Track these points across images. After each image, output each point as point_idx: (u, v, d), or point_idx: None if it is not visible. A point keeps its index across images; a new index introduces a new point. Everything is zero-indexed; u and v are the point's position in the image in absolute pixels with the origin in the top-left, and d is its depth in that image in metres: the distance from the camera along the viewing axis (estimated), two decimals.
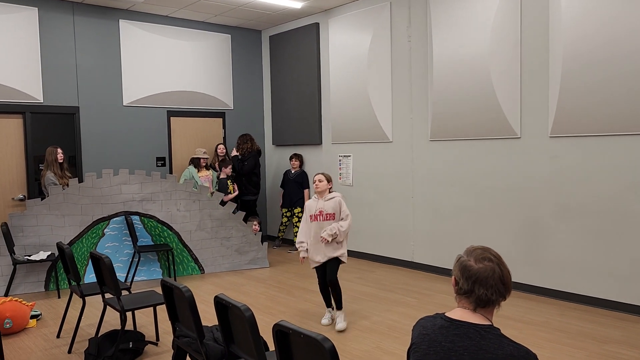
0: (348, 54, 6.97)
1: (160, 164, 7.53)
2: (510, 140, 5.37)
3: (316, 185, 4.45)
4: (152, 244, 6.25)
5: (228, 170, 7.32)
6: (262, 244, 6.77)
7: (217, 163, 7.55)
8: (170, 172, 7.60)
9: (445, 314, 1.73)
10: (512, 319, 4.52)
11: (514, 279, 6.02)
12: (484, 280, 1.64)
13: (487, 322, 1.65)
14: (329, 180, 4.49)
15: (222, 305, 2.57)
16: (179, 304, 2.90)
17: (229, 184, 7.28)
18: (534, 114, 5.17)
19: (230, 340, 2.63)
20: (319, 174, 4.55)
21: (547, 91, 5.02)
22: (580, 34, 4.67)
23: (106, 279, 3.68)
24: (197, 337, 2.71)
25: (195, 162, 7.19)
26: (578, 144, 4.86)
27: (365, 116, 6.80)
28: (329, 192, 4.47)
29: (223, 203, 6.62)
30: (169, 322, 4.56)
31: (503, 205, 5.46)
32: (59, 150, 6.00)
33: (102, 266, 3.64)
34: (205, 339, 2.78)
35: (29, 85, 6.41)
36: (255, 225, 6.74)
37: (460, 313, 1.69)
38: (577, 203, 4.90)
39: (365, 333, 4.26)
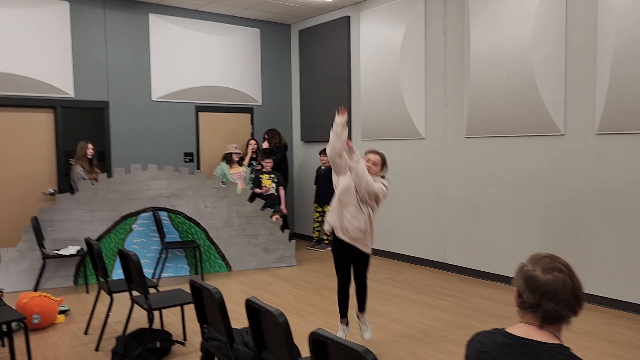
0: (380, 47, 6.76)
1: (188, 160, 7.48)
2: (553, 137, 5.09)
3: (368, 167, 3.60)
4: (180, 240, 6.18)
5: (266, 163, 7.06)
6: (289, 241, 6.64)
7: (247, 157, 7.45)
8: (198, 168, 7.54)
9: (506, 330, 1.54)
10: None
11: None
12: (554, 293, 1.45)
13: (555, 341, 1.46)
14: (383, 163, 3.69)
15: (253, 309, 2.43)
16: (209, 306, 2.77)
17: (264, 179, 7.05)
18: (579, 109, 4.89)
19: (261, 345, 2.49)
20: (372, 152, 3.71)
21: (595, 85, 4.73)
22: (634, 22, 4.36)
23: (134, 277, 3.59)
24: (227, 341, 2.58)
25: (228, 158, 7.07)
26: (628, 141, 4.56)
27: (397, 112, 6.59)
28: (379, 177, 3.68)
29: (252, 198, 6.50)
30: (197, 321, 4.47)
31: (544, 206, 5.19)
32: (90, 146, 5.99)
33: (130, 263, 3.55)
34: (235, 343, 2.65)
35: (60, 79, 6.41)
36: (276, 217, 6.66)
37: (524, 329, 1.50)
38: (625, 204, 4.60)
39: (399, 338, 4.08)
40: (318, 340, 1.98)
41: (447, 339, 4.03)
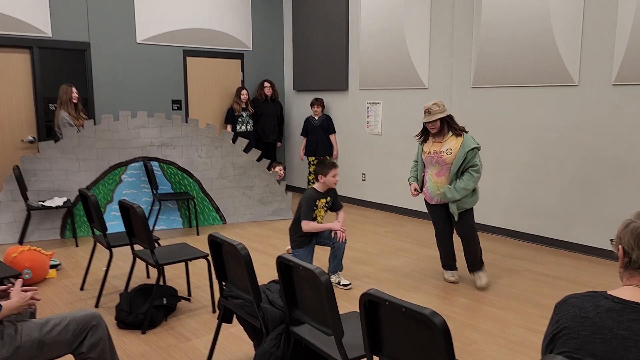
0: None
1: (176, 107, 7.08)
2: (566, 88, 4.92)
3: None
4: (172, 191, 5.90)
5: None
6: (286, 194, 6.43)
7: (236, 105, 7.17)
8: (187, 116, 7.16)
9: (610, 293, 1.38)
10: (564, 280, 4.24)
11: (563, 238, 5.60)
12: None
13: None
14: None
15: (286, 266, 2.23)
16: (230, 262, 2.56)
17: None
18: (595, 58, 4.69)
19: (293, 304, 2.31)
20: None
21: (614, 33, 4.52)
22: None
23: (137, 231, 3.34)
24: (253, 299, 2.39)
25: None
26: None
27: (399, 60, 6.29)
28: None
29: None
30: (198, 275, 4.27)
31: (553, 159, 5.08)
32: (74, 90, 5.53)
33: (133, 216, 3.29)
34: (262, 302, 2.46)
35: (37, 17, 5.86)
36: (280, 170, 6.37)
37: (631, 292, 1.34)
38: (639, 158, 4.51)
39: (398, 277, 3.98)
40: (372, 302, 1.81)
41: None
